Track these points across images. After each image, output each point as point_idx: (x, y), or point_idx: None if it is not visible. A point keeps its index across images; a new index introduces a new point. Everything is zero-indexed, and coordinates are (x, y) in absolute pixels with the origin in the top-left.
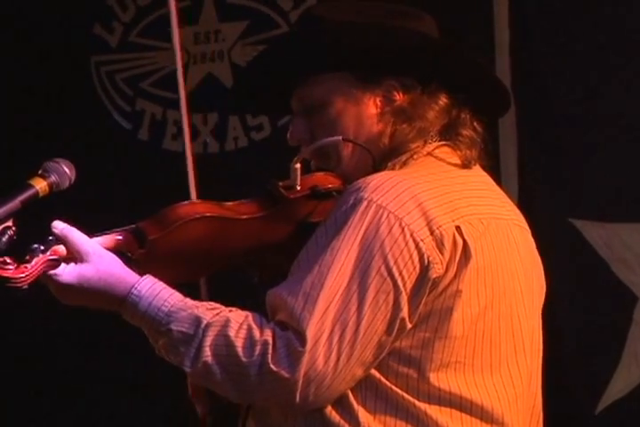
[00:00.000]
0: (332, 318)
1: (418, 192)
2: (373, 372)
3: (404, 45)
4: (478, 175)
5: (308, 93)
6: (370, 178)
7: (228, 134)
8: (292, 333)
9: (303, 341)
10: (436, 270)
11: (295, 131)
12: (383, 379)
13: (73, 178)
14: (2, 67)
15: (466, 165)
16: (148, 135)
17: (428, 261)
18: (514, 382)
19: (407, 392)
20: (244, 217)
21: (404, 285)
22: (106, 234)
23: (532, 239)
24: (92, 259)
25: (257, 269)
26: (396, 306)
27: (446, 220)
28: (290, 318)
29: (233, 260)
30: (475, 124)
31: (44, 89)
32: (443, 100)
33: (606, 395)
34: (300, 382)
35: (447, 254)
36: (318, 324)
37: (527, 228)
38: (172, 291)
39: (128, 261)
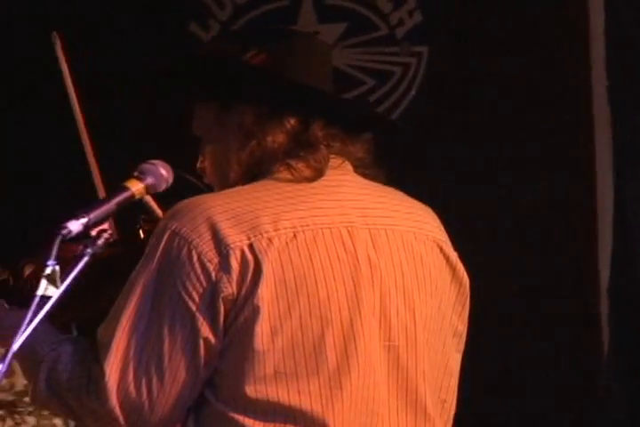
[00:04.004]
0: (135, 349)
1: (214, 213)
2: (206, 391)
3: (227, 74)
4: (320, 187)
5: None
6: (176, 204)
7: None
8: (100, 367)
9: (103, 375)
10: (224, 289)
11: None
12: (212, 398)
13: (170, 180)
14: None
15: (308, 178)
16: None
17: (216, 281)
18: (341, 383)
19: (233, 409)
20: (105, 255)
21: (197, 306)
22: None
23: (415, 240)
24: None
25: None
26: (194, 328)
27: (239, 238)
28: (99, 353)
29: None
30: (329, 140)
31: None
32: (290, 123)
33: None
34: (117, 411)
35: (235, 273)
36: (123, 357)
37: (407, 229)
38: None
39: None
